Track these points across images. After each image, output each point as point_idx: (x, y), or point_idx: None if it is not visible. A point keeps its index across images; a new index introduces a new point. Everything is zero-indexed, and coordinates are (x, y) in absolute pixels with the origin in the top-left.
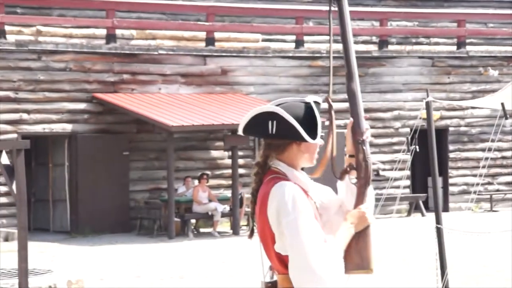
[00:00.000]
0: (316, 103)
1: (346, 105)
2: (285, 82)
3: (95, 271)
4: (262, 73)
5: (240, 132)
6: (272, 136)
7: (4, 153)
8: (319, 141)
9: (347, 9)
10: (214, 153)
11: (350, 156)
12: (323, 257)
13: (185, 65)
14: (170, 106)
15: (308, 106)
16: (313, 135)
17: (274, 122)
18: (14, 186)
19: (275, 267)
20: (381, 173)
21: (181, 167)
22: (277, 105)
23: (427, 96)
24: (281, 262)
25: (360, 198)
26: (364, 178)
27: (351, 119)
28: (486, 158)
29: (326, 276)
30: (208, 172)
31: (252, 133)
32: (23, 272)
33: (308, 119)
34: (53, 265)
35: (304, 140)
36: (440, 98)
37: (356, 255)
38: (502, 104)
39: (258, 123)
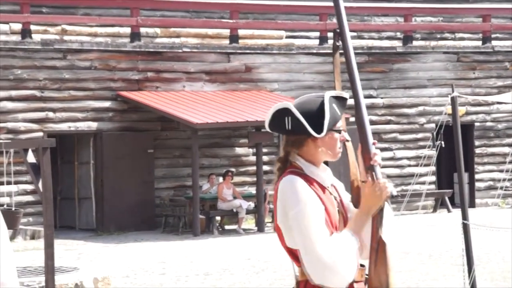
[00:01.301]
0: (336, 98)
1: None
2: (309, 78)
3: (121, 269)
4: (286, 69)
5: (266, 128)
6: (289, 132)
7: (30, 152)
8: (337, 135)
9: (350, 43)
10: (239, 150)
11: (363, 181)
12: (332, 248)
13: (209, 63)
14: (195, 103)
15: (321, 101)
16: (320, 129)
17: (290, 118)
18: (40, 184)
19: (293, 260)
20: (394, 194)
21: (206, 164)
22: (297, 101)
23: (453, 91)
24: (294, 256)
25: (374, 223)
26: None
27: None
28: None
29: (338, 266)
30: (233, 169)
31: (274, 129)
32: (49, 270)
33: (318, 114)
34: (79, 263)
35: (311, 135)
36: (465, 94)
37: (375, 279)
38: None
39: (277, 120)
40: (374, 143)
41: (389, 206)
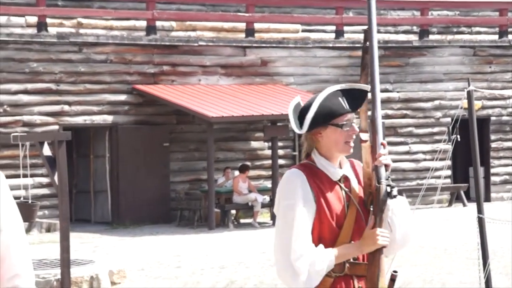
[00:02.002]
0: (349, 91)
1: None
2: (325, 72)
3: (136, 262)
4: (302, 63)
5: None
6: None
7: (46, 145)
8: (340, 130)
9: (376, 44)
10: (254, 144)
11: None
12: (304, 255)
13: (225, 56)
14: (210, 97)
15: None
16: (306, 125)
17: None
18: (56, 178)
19: None
20: (394, 193)
21: (221, 158)
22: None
23: (469, 85)
24: None
25: (374, 222)
26: (376, 205)
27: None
28: None
29: (298, 273)
30: (248, 163)
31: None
32: (65, 263)
33: (309, 109)
34: (94, 256)
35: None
36: (481, 88)
37: (369, 278)
38: None
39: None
40: (383, 144)
41: (404, 201)
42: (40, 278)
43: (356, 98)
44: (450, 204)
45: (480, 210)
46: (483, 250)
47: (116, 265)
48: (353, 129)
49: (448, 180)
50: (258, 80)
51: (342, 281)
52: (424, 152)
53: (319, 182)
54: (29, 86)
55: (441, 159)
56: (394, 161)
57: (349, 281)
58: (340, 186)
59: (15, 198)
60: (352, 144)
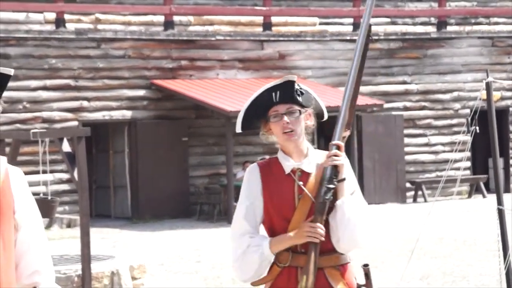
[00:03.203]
0: (277, 85)
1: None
2: (343, 65)
3: (156, 256)
4: (319, 56)
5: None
6: None
7: (65, 141)
8: (274, 121)
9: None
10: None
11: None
12: (239, 246)
13: (242, 50)
14: (228, 91)
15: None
16: (238, 124)
17: None
18: (75, 173)
19: None
20: (326, 196)
21: (240, 152)
22: None
23: (487, 76)
24: None
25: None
26: (315, 204)
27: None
28: None
29: (237, 264)
30: (267, 157)
31: None
32: (86, 258)
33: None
34: (115, 251)
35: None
36: (500, 79)
37: (302, 275)
38: None
39: None
40: (336, 144)
41: (354, 202)
42: (61, 274)
43: (289, 90)
44: (469, 195)
45: (500, 201)
46: (503, 241)
47: (137, 260)
48: (283, 121)
49: (468, 172)
50: (276, 73)
51: (287, 271)
52: (443, 144)
53: (271, 176)
54: (48, 82)
55: (460, 151)
56: (414, 153)
57: (293, 271)
58: (295, 179)
59: (35, 194)
60: (292, 132)
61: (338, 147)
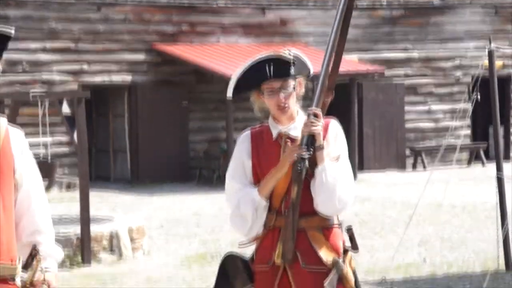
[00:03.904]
0: (272, 59)
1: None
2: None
3: (155, 220)
4: (321, 23)
5: None
6: None
7: (65, 103)
8: (266, 94)
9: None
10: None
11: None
12: (232, 202)
13: (244, 16)
14: (229, 56)
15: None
16: (230, 90)
17: None
18: (75, 136)
19: None
20: (299, 165)
21: (240, 117)
22: None
23: (490, 44)
24: None
25: (290, 189)
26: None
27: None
28: None
29: (234, 219)
30: (266, 122)
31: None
32: (85, 220)
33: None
34: (114, 213)
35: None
36: (503, 47)
37: (281, 240)
38: None
39: None
40: (314, 112)
41: (333, 169)
42: (60, 235)
43: (284, 65)
44: (469, 163)
45: (499, 169)
46: (501, 208)
47: (136, 222)
48: (278, 97)
49: (468, 140)
50: (277, 39)
51: (271, 232)
52: (443, 112)
53: (261, 141)
54: (48, 44)
55: (461, 119)
56: (414, 120)
57: (276, 232)
58: (281, 144)
59: (34, 156)
60: (285, 108)
61: (316, 115)
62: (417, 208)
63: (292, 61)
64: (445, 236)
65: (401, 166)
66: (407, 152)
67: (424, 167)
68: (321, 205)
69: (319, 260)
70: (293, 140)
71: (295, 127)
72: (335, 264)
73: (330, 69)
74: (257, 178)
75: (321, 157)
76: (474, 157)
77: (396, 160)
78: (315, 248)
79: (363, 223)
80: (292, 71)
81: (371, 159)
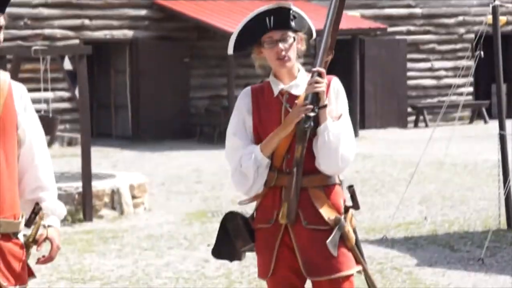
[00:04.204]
0: (270, 10)
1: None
2: None
3: (157, 176)
4: None
5: None
6: None
7: (66, 59)
8: (267, 47)
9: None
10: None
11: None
12: (234, 159)
13: None
14: (231, 13)
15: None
16: (230, 46)
17: None
18: (76, 92)
19: None
20: (306, 124)
21: (242, 74)
22: None
23: (494, 0)
24: None
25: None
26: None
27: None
28: None
29: (235, 176)
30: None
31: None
32: (86, 176)
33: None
34: (115, 170)
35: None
36: (507, 2)
37: (284, 199)
38: None
39: None
40: (317, 71)
41: (335, 128)
42: (61, 191)
43: (283, 17)
44: (471, 121)
45: (501, 127)
46: (503, 166)
47: (137, 179)
48: (277, 47)
49: (470, 97)
50: None
51: (272, 191)
52: (446, 69)
53: (261, 98)
54: None
55: (463, 76)
56: (416, 78)
57: (278, 191)
58: (282, 101)
59: (36, 111)
60: (285, 58)
61: (320, 74)
62: (419, 166)
63: (291, 12)
64: (446, 194)
65: (403, 123)
66: (409, 109)
67: (426, 124)
68: (323, 164)
69: (321, 219)
70: (294, 97)
71: (297, 85)
72: (337, 222)
73: (332, 29)
74: (258, 134)
75: (324, 116)
76: (476, 115)
77: (398, 117)
78: (317, 206)
79: (363, 181)
80: (293, 24)
81: (372, 116)
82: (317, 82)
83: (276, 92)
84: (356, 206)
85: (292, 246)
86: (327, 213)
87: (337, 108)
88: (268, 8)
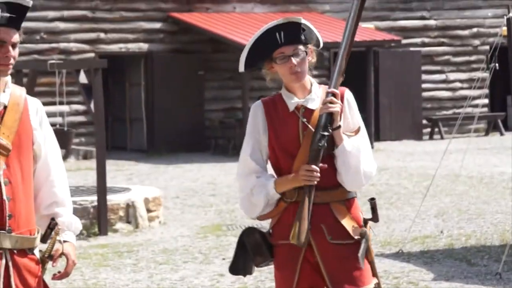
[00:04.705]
0: (280, 25)
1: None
2: None
3: (171, 190)
4: None
5: None
6: None
7: (82, 73)
8: (280, 63)
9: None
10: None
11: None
12: (246, 185)
13: None
14: (245, 25)
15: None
16: (241, 63)
17: None
18: (92, 105)
19: None
20: (320, 143)
21: (256, 86)
22: None
23: (508, 12)
24: None
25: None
26: (310, 149)
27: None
28: None
29: (243, 201)
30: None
31: None
32: (101, 190)
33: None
34: (130, 183)
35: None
36: None
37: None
38: None
39: None
40: (332, 92)
41: (354, 145)
42: (77, 205)
43: (294, 31)
44: (487, 133)
45: None
46: None
47: (152, 192)
48: (290, 62)
49: (485, 109)
50: (293, 8)
51: (293, 207)
52: (461, 81)
53: (275, 113)
54: (66, 13)
55: (478, 88)
56: (431, 89)
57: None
58: (299, 116)
59: (52, 125)
60: (298, 73)
61: (334, 95)
62: (434, 179)
63: (302, 26)
64: (463, 207)
65: (418, 136)
66: (424, 121)
67: (442, 137)
68: (347, 183)
69: (344, 233)
70: (310, 111)
71: (312, 99)
72: (363, 235)
73: (348, 52)
74: (274, 151)
75: (339, 136)
76: (492, 127)
77: (413, 129)
78: (340, 221)
79: (379, 194)
80: (303, 37)
81: (387, 128)
82: (331, 102)
83: (291, 107)
84: (375, 219)
85: (313, 262)
86: (350, 227)
87: (352, 119)
88: (277, 23)
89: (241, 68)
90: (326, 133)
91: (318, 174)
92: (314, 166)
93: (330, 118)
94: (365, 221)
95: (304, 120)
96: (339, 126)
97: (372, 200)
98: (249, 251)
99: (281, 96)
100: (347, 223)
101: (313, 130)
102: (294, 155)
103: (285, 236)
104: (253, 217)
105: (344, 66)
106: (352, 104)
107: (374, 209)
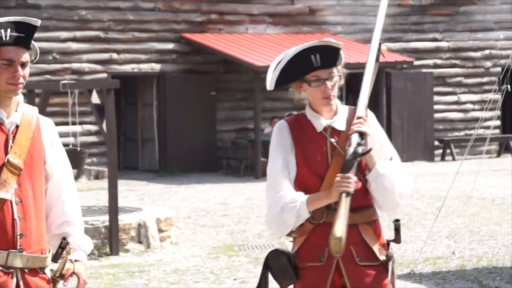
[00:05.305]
0: (316, 47)
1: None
2: (374, 21)
3: (183, 210)
4: (350, 12)
5: None
6: None
7: (94, 93)
8: (314, 85)
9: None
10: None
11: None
12: (276, 204)
13: (272, 5)
14: (257, 46)
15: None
16: (269, 81)
17: None
18: (104, 125)
19: None
20: (353, 161)
21: (268, 107)
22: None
23: None
24: None
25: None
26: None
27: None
28: None
29: (272, 220)
30: (295, 112)
31: None
32: (113, 210)
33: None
34: (142, 203)
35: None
36: None
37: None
38: None
39: None
40: (360, 117)
41: (389, 167)
42: (88, 225)
43: (331, 55)
44: (498, 154)
45: None
46: None
47: (163, 212)
48: (325, 86)
49: (497, 131)
50: (305, 29)
51: (321, 228)
52: (473, 102)
53: (302, 133)
54: (78, 34)
55: (490, 109)
56: (443, 111)
57: (327, 228)
58: (327, 137)
59: (64, 145)
60: (331, 97)
61: (362, 119)
62: (446, 200)
63: (340, 50)
64: (474, 229)
65: (430, 157)
66: (436, 142)
67: (453, 158)
68: (384, 206)
69: (372, 254)
70: (338, 132)
71: (340, 120)
72: (390, 257)
73: (373, 77)
74: (301, 174)
75: (371, 160)
76: (503, 149)
77: (425, 150)
78: (368, 242)
79: (391, 215)
80: (338, 61)
81: (399, 149)
82: (361, 123)
83: (319, 128)
84: (398, 240)
85: (340, 284)
86: (377, 248)
87: (381, 143)
88: (314, 44)
89: (272, 86)
90: (359, 149)
91: (354, 181)
92: (349, 174)
93: (361, 137)
94: (388, 243)
95: (333, 140)
96: (371, 149)
97: (397, 222)
98: (275, 274)
99: (305, 116)
100: (374, 245)
101: (342, 151)
102: (322, 175)
103: (315, 258)
104: (280, 237)
105: (370, 90)
106: (378, 125)
107: (397, 230)
